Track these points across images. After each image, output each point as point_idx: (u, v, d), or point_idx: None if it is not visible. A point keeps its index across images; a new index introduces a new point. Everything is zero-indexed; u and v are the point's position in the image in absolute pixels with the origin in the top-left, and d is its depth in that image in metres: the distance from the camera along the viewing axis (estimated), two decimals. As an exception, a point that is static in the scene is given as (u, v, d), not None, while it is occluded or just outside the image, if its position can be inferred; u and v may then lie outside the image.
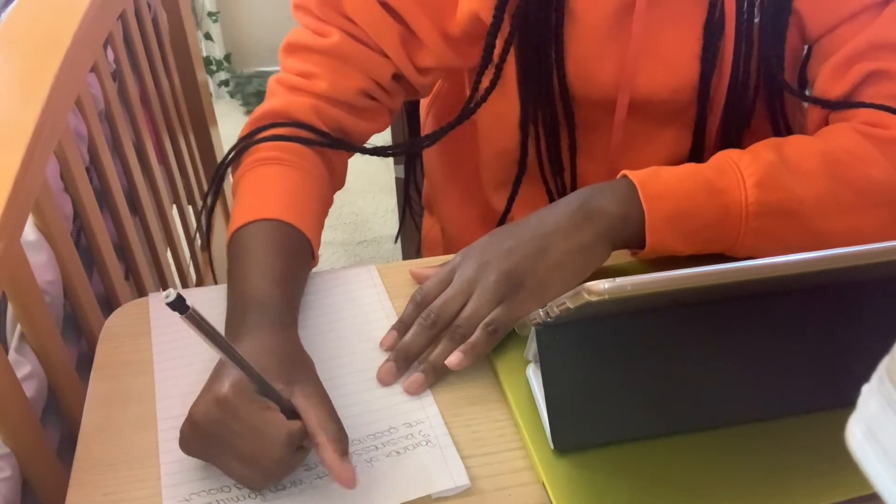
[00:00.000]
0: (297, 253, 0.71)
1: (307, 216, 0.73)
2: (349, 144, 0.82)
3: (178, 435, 0.58)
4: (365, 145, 0.85)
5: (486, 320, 0.65)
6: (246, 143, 0.78)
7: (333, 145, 0.80)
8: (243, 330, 0.62)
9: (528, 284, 0.66)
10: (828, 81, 0.76)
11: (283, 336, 0.63)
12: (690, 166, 0.70)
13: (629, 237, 0.69)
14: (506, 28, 0.77)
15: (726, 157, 0.70)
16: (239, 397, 0.55)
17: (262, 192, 0.74)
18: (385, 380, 0.66)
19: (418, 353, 0.66)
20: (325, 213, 0.79)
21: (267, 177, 0.75)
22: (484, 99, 0.82)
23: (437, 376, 0.65)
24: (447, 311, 0.66)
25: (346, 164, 0.86)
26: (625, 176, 0.69)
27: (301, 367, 0.61)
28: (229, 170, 0.81)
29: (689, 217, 0.67)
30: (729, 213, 0.68)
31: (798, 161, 0.69)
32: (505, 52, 0.79)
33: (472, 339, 0.65)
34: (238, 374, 0.55)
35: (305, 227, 0.72)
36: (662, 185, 0.68)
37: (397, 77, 0.82)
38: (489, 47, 0.79)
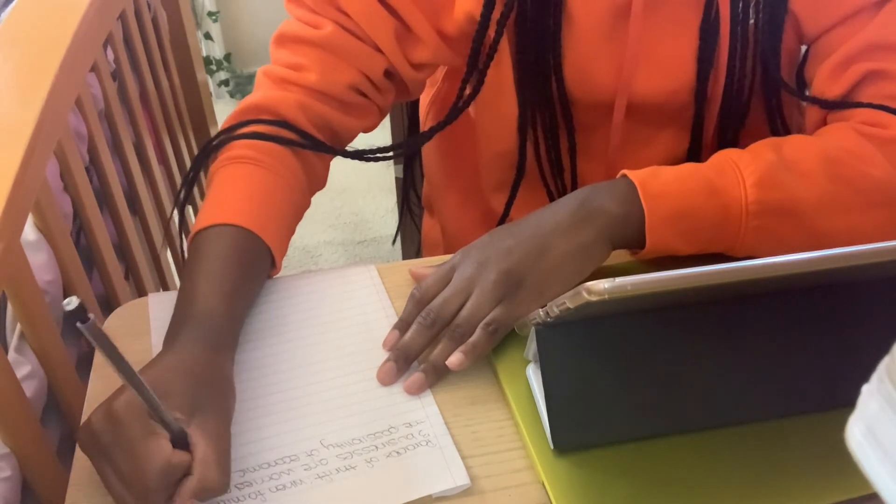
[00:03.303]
0: (252, 263, 0.69)
1: (271, 223, 0.71)
2: (329, 147, 0.80)
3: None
4: (362, 147, 0.84)
5: (486, 320, 0.64)
6: (224, 137, 0.76)
7: (312, 147, 0.78)
8: (176, 342, 0.61)
9: (528, 284, 0.66)
10: (825, 82, 0.76)
11: (213, 358, 0.61)
12: (690, 166, 0.70)
13: (629, 237, 0.69)
14: (492, 32, 0.77)
15: (726, 157, 0.70)
16: (128, 415, 0.53)
17: (228, 194, 0.72)
18: (385, 380, 0.65)
19: (418, 352, 0.66)
20: (295, 219, 0.77)
21: (235, 177, 0.73)
22: (467, 103, 0.81)
23: (438, 376, 0.65)
24: (446, 311, 0.66)
25: (328, 164, 0.84)
26: (624, 175, 0.69)
27: (215, 396, 0.59)
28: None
29: (688, 216, 0.67)
30: (728, 212, 0.68)
31: (797, 160, 0.69)
32: (490, 57, 0.78)
33: (473, 339, 0.64)
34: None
35: (268, 235, 0.70)
36: (662, 184, 0.68)
37: (389, 73, 0.81)
38: (475, 52, 0.79)
